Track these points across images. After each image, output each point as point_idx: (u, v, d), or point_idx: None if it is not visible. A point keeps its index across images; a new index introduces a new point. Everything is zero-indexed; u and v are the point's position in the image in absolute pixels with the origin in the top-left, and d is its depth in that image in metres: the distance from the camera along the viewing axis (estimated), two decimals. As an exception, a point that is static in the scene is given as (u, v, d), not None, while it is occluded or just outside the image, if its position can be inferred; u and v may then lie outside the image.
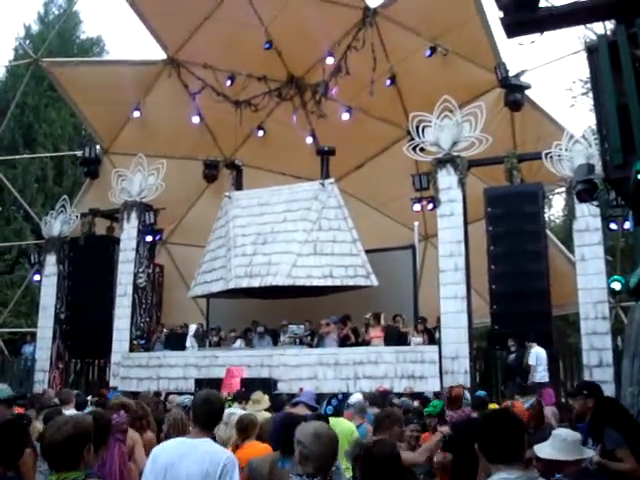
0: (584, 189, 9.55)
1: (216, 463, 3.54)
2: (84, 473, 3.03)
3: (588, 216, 13.61)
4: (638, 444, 4.71)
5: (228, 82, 18.18)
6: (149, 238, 18.23)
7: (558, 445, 3.99)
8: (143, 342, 17.34)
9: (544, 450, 4.02)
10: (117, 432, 4.84)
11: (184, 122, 18.94)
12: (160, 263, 21.09)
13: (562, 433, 4.12)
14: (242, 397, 8.74)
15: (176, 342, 17.15)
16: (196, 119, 19.11)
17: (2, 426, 4.00)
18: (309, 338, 15.95)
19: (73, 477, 2.95)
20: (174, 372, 15.68)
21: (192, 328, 17.11)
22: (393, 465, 3.34)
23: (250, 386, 11.72)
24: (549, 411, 7.29)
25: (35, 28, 34.87)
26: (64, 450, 2.98)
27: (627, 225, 13.48)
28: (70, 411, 6.77)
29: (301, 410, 7.15)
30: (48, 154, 29.12)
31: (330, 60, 17.08)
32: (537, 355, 12.81)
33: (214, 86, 18.32)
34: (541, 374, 12.72)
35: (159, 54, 18.85)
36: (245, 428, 5.17)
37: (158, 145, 18.72)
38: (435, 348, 13.83)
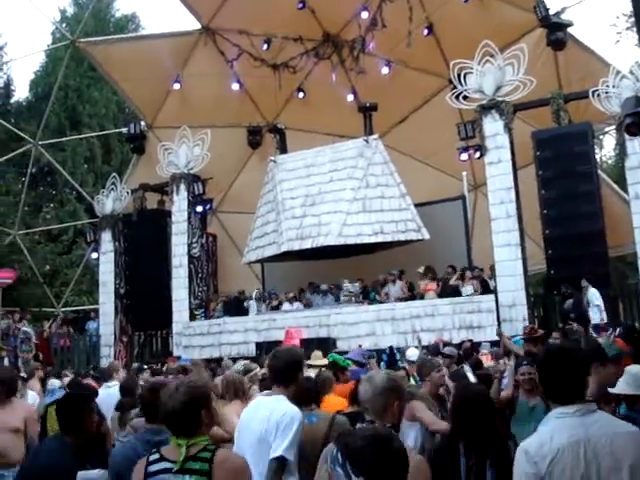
0: (632, 122, 9.25)
1: (275, 420, 3.60)
2: (212, 442, 2.99)
3: (640, 152, 13.27)
4: None
5: (264, 46, 18.10)
6: (199, 208, 18.48)
7: (631, 381, 3.99)
8: (202, 311, 17.64)
9: (617, 386, 4.03)
10: None
11: (224, 90, 18.98)
12: (212, 232, 21.31)
13: (635, 370, 4.12)
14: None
15: (234, 308, 17.43)
16: (236, 86, 19.13)
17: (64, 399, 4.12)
18: (361, 296, 15.95)
19: (204, 443, 2.89)
20: (235, 337, 16.00)
21: (253, 293, 17.40)
22: (487, 406, 3.49)
23: (310, 346, 11.88)
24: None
25: (70, 11, 35.24)
26: (181, 417, 2.89)
27: (682, 158, 13.11)
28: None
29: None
30: (94, 134, 29.57)
31: (365, 14, 16.86)
32: (597, 295, 12.62)
33: (251, 51, 18.27)
34: (600, 315, 12.54)
35: (194, 24, 18.90)
36: (321, 385, 5.38)
37: (200, 115, 18.81)
38: (491, 297, 13.77)
